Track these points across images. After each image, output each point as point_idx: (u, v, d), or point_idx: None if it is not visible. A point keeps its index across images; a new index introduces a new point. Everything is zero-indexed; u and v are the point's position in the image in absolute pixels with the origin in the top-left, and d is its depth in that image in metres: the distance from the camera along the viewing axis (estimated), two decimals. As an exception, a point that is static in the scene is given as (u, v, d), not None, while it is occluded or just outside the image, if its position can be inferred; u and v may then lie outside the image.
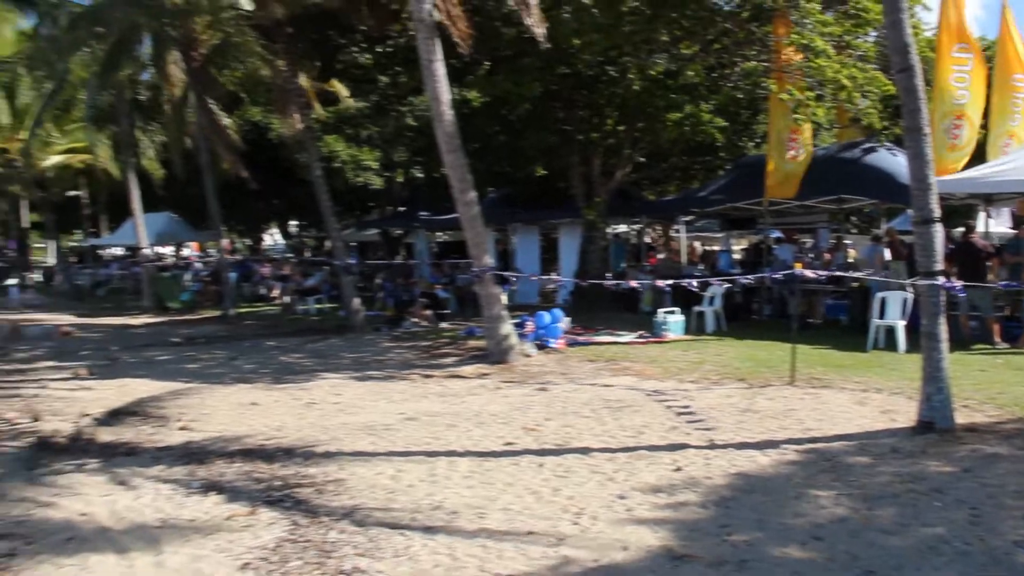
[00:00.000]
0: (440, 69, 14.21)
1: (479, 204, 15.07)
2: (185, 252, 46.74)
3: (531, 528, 6.30)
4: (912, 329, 12.53)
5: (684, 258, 23.54)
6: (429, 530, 6.35)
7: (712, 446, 8.40)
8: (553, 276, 23.13)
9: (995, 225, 18.25)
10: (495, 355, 14.32)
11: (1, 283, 38.47)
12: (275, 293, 28.93)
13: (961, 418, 8.78)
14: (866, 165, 18.25)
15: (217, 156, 24.90)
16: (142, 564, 5.96)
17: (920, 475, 7.22)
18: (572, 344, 15.72)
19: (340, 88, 23.11)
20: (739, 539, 5.96)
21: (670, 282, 14.31)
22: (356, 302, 20.32)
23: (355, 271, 26.92)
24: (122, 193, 30.00)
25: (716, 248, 27.27)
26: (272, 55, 20.48)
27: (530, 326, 15.76)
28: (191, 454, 8.86)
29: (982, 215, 17.79)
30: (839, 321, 17.39)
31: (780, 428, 9.05)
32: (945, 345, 8.58)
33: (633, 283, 14.77)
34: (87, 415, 11.09)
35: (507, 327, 14.61)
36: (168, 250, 43.67)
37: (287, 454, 8.66)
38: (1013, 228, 17.33)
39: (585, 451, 8.38)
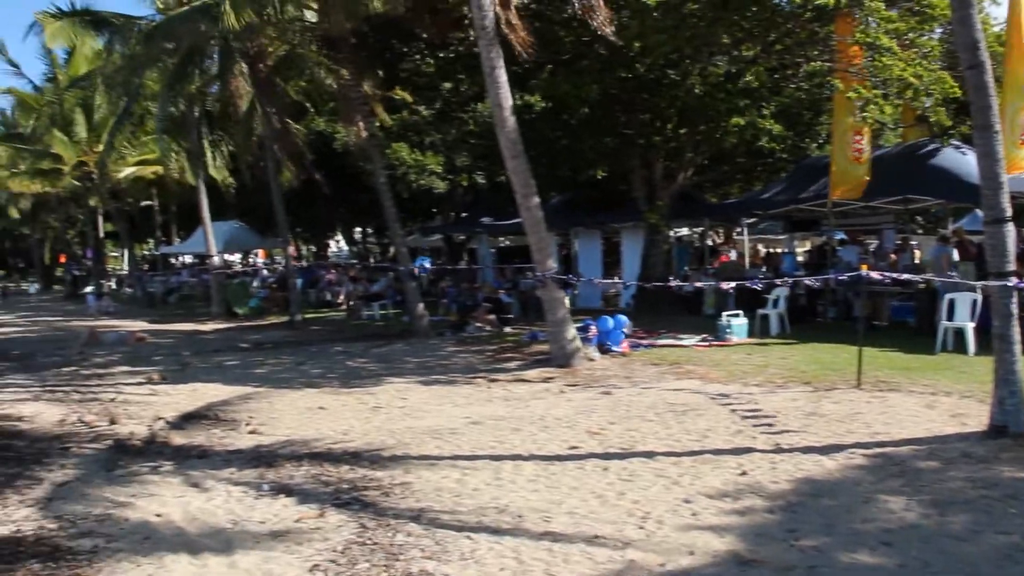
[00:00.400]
0: (502, 76, 14.30)
1: (542, 209, 15.11)
2: (252, 259, 47.56)
3: (597, 532, 6.31)
4: (982, 331, 12.29)
5: (747, 261, 23.32)
6: (495, 533, 6.40)
7: (778, 450, 8.33)
8: (616, 280, 23.07)
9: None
10: (559, 359, 14.35)
11: (79, 291, 39.60)
12: (340, 298, 29.28)
13: (1036, 422, 8.58)
14: (933, 164, 17.87)
15: (283, 165, 25.37)
16: (215, 564, 6.11)
17: (993, 481, 7.08)
18: (635, 348, 15.69)
19: (405, 95, 23.35)
20: (807, 544, 5.91)
21: (733, 284, 14.21)
22: (420, 307, 20.50)
23: (427, 276, 27.20)
24: (192, 202, 30.72)
25: (779, 250, 26.96)
26: (336, 65, 20.79)
27: (593, 330, 15.75)
28: (261, 457, 9.04)
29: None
30: (906, 323, 17.06)
31: (847, 432, 8.93)
32: (1018, 348, 8.40)
33: (698, 284, 14.69)
34: (161, 418, 11.38)
35: (571, 331, 14.63)
36: (236, 257, 44.47)
37: (354, 457, 8.80)
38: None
39: (650, 455, 8.37)
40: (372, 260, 40.23)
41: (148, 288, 37.37)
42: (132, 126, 32.01)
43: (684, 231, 30.38)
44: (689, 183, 23.83)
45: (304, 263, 38.82)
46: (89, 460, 9.30)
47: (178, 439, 10.15)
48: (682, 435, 9.15)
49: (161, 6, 26.56)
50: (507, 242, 32.57)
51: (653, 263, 22.24)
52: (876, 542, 5.88)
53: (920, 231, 29.15)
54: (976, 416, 9.06)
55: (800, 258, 25.69)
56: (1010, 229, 8.50)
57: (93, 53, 31.71)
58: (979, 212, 10.64)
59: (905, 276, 13.50)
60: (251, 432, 10.34)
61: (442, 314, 23.08)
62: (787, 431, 9.06)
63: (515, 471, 8.02)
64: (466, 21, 17.97)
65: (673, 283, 17.73)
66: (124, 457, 9.35)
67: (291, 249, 28.02)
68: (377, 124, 22.91)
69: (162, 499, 7.66)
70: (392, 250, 29.44)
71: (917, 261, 20.26)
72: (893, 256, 18.86)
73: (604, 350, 15.28)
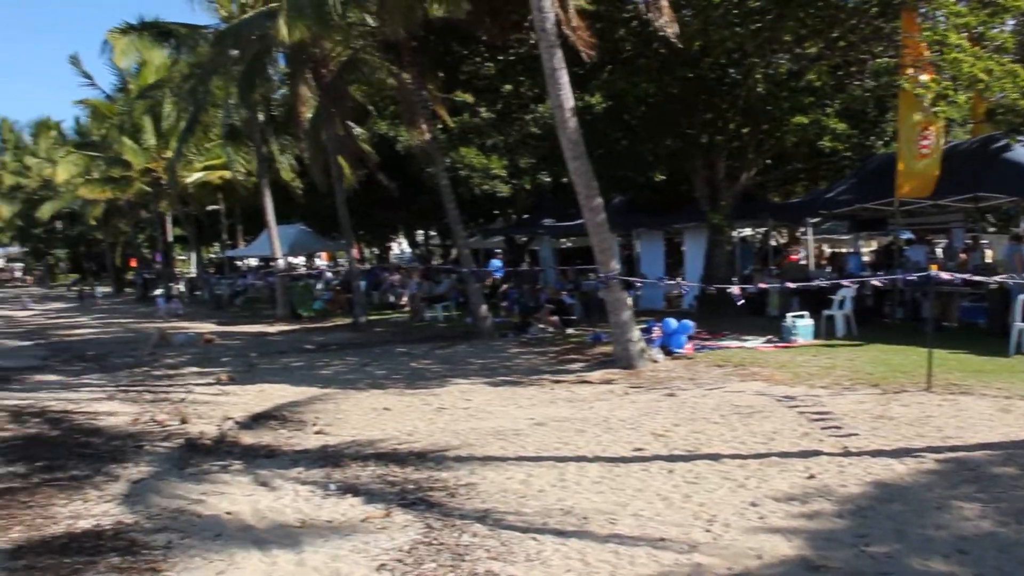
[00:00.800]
0: (563, 77, 14.31)
1: (604, 210, 15.08)
2: (316, 262, 48.13)
3: (663, 534, 6.29)
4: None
5: (811, 261, 22.97)
6: (560, 534, 6.42)
7: (846, 453, 8.21)
8: (678, 281, 22.91)
9: None
10: (622, 360, 14.30)
11: (149, 293, 40.48)
12: (403, 300, 29.51)
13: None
14: (1004, 160, 17.40)
15: (346, 168, 25.66)
16: (284, 562, 6.22)
17: (1074, 488, 6.91)
18: (699, 349, 15.58)
19: (466, 97, 23.47)
20: (878, 550, 5.82)
21: (799, 285, 14.02)
22: (483, 308, 20.58)
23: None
24: (257, 206, 31.21)
25: (844, 250, 26.50)
26: (398, 68, 20.98)
27: (657, 331, 15.67)
28: (327, 457, 9.17)
29: None
30: (976, 325, 16.65)
31: (917, 435, 8.77)
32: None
33: (762, 285, 14.53)
34: (230, 418, 11.61)
35: (634, 333, 14.57)
36: (300, 260, 45.05)
37: (419, 458, 8.88)
38: None
39: (715, 457, 8.31)
40: (435, 262, 40.47)
41: (215, 291, 38.04)
42: (199, 132, 32.60)
43: (747, 231, 30.06)
44: (752, 183, 23.60)
45: (367, 265, 39.14)
46: (162, 458, 9.53)
47: (247, 439, 10.35)
48: (748, 437, 9.08)
49: (224, 14, 27.09)
50: (569, 243, 32.52)
51: (716, 264, 22.06)
52: (950, 549, 5.77)
53: (991, 229, 28.43)
54: (1055, 420, 8.84)
55: (866, 258, 25.22)
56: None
57: (161, 63, 32.46)
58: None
59: (976, 276, 13.23)
60: (318, 432, 10.49)
61: (504, 315, 23.13)
62: (855, 434, 8.93)
63: (580, 472, 8.02)
64: (526, 23, 18.02)
65: (735, 287, 17.54)
66: (195, 456, 9.57)
67: (354, 251, 28.26)
68: (439, 127, 23.07)
69: (232, 497, 7.83)
70: (454, 252, 29.57)
71: (988, 260, 19.76)
72: (963, 255, 18.45)
73: (667, 352, 15.19)
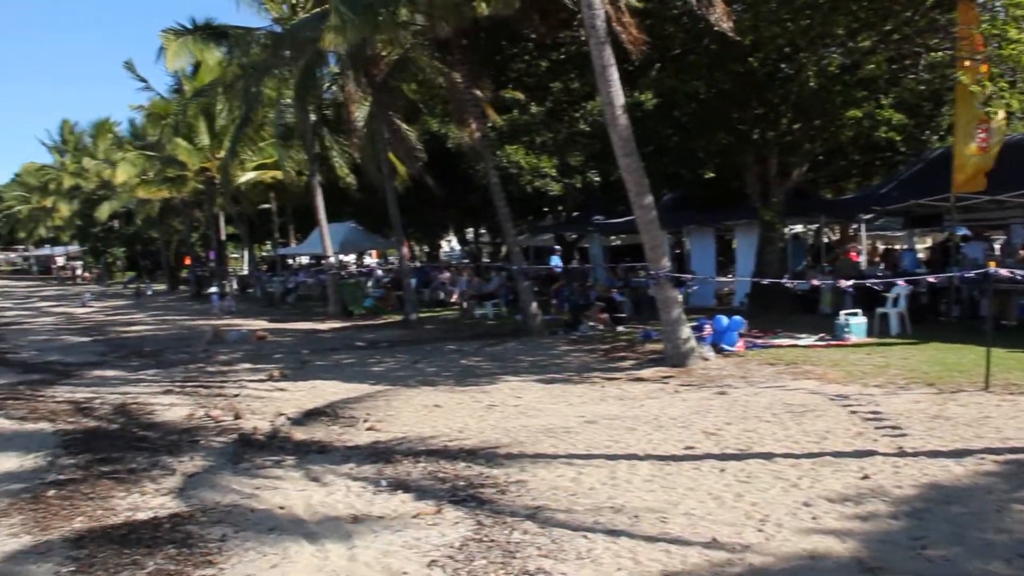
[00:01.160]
0: (614, 74, 14.26)
1: (655, 207, 15.00)
2: (366, 260, 48.47)
3: (715, 534, 6.25)
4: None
5: (864, 258, 22.63)
6: (611, 533, 6.40)
7: (901, 453, 8.09)
8: (729, 278, 22.72)
9: None
10: (673, 358, 14.22)
11: (202, 291, 41.08)
12: (453, 297, 29.61)
13: None
14: (1066, 154, 17.03)
15: (400, 166, 25.80)
16: (336, 556, 6.28)
17: None
18: (750, 347, 15.44)
19: (516, 95, 23.46)
20: (935, 553, 5.71)
21: (852, 283, 13.83)
22: (533, 306, 20.58)
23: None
24: (308, 205, 31.50)
25: (897, 247, 26.08)
26: (448, 67, 21.05)
27: (708, 329, 15.57)
28: (378, 453, 9.25)
29: None
30: (1036, 323, 16.32)
31: (975, 436, 8.61)
32: None
33: (815, 283, 14.35)
34: (282, 414, 11.75)
35: (685, 330, 14.49)
36: (350, 258, 45.39)
37: (470, 455, 8.91)
38: None
39: (767, 456, 8.23)
40: (484, 259, 40.56)
41: (267, 288, 38.47)
42: (252, 132, 32.99)
43: (799, 228, 29.70)
44: (804, 179, 23.28)
45: (417, 263, 39.34)
46: (216, 452, 9.69)
47: (299, 435, 10.47)
48: (800, 436, 8.98)
49: (276, 15, 27.39)
50: (619, 241, 32.41)
51: (768, 261, 21.81)
52: (1012, 554, 5.64)
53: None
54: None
55: (921, 255, 24.83)
56: None
57: (215, 63, 32.92)
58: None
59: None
60: (369, 429, 10.57)
61: (555, 313, 23.12)
62: (911, 434, 8.80)
63: (630, 471, 8.00)
64: (575, 21, 17.98)
65: (788, 282, 17.33)
66: (249, 451, 9.70)
67: (405, 249, 28.42)
68: (488, 124, 23.10)
69: (285, 492, 7.92)
70: (504, 249, 29.58)
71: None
72: (1022, 252, 18.05)
73: (719, 349, 15.08)
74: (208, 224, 44.83)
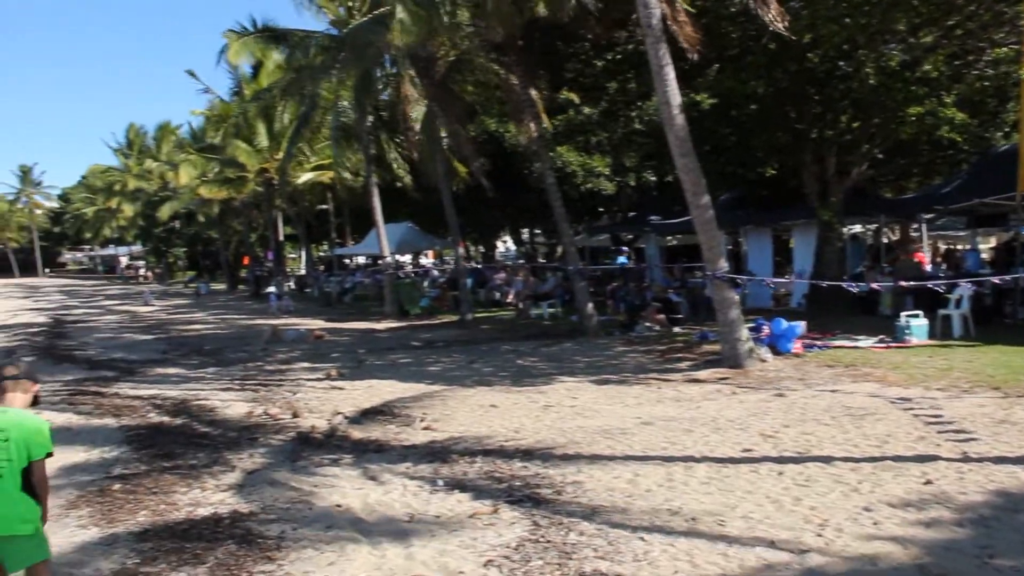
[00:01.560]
0: (670, 73, 14.16)
1: (712, 207, 14.86)
2: (422, 260, 48.75)
3: (773, 538, 6.17)
4: None
5: (926, 258, 22.20)
6: (668, 535, 6.35)
7: (965, 459, 7.90)
8: (787, 279, 22.43)
9: None
10: (730, 360, 14.07)
11: (261, 291, 41.64)
12: (509, 298, 29.65)
13: None
14: None
15: (460, 167, 25.89)
16: (393, 555, 6.31)
17: None
18: (809, 349, 15.20)
19: (572, 95, 23.41)
20: (1003, 563, 5.57)
21: (914, 284, 13.54)
22: (589, 306, 20.52)
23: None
24: (365, 206, 31.75)
25: (960, 247, 25.53)
26: (505, 68, 21.08)
27: (765, 330, 15.37)
28: (435, 453, 9.28)
29: None
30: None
31: (1044, 442, 8.38)
32: None
33: (875, 285, 14.08)
34: (339, 413, 11.85)
35: (743, 332, 14.32)
36: (407, 258, 45.71)
37: (526, 455, 8.90)
38: None
39: (827, 460, 8.10)
40: (539, 260, 40.58)
41: (324, 288, 38.86)
42: (310, 133, 33.38)
43: (857, 228, 29.24)
44: (863, 178, 22.91)
45: (473, 263, 39.47)
46: (275, 450, 9.80)
47: (356, 433, 10.55)
48: (860, 440, 8.81)
49: (333, 18, 27.69)
50: (675, 241, 32.22)
51: (826, 261, 21.50)
52: (1084, 563, 5.48)
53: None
54: None
55: (985, 255, 24.29)
56: None
57: (275, 66, 33.38)
58: None
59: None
60: (425, 428, 10.61)
61: (611, 314, 23.03)
62: (975, 439, 8.58)
63: (687, 473, 7.93)
64: (631, 21, 17.89)
65: (848, 284, 17.05)
66: (306, 449, 9.80)
67: (461, 249, 28.51)
68: (544, 126, 23.10)
69: (342, 490, 7.99)
70: (559, 249, 29.55)
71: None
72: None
73: (776, 351, 14.87)
74: (267, 224, 45.48)
